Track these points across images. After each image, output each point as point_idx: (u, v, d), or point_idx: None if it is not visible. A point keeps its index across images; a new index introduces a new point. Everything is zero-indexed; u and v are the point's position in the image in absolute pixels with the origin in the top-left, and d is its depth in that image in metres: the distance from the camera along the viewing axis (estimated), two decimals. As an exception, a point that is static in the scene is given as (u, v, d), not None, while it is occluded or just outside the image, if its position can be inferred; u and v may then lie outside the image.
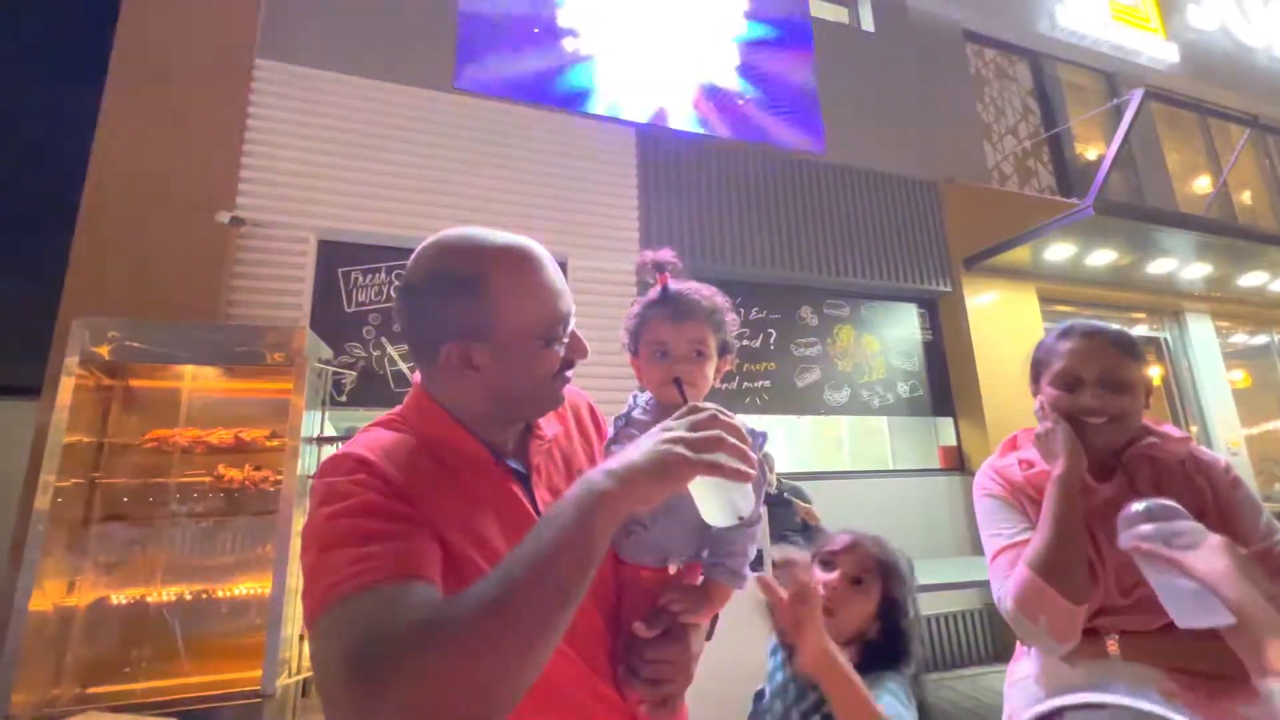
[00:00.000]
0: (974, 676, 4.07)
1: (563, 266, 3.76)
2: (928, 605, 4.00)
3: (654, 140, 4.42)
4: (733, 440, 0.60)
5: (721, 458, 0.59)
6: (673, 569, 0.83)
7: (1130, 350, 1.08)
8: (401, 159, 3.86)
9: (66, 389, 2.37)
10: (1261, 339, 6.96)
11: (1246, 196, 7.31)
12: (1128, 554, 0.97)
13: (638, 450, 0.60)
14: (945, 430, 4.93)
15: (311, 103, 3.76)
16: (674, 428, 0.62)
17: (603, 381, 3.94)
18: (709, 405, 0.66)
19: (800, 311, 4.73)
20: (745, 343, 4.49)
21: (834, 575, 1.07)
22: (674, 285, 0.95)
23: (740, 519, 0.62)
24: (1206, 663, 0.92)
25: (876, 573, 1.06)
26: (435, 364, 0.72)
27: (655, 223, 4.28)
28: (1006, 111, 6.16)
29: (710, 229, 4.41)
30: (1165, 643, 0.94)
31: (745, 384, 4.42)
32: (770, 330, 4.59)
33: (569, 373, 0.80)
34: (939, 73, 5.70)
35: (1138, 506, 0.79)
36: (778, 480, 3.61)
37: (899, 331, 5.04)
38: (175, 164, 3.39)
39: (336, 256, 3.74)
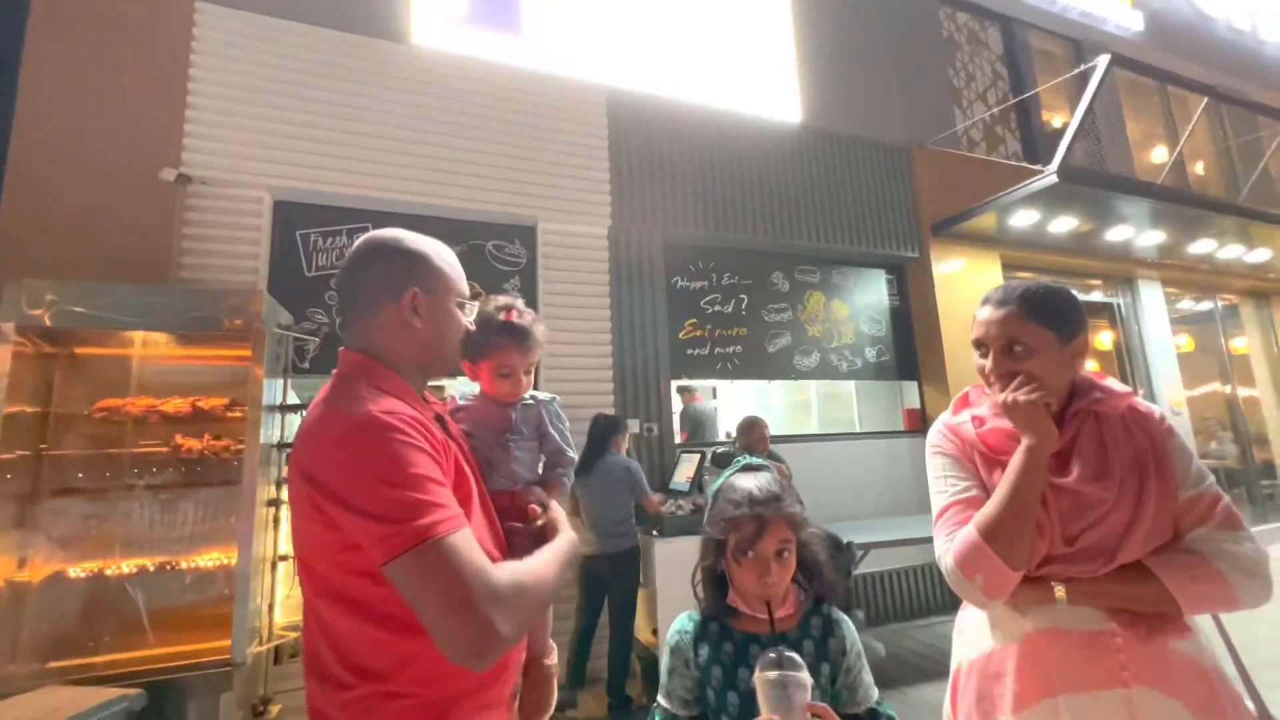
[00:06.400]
0: (930, 626, 4.30)
1: (531, 230, 3.67)
2: (891, 560, 4.32)
3: (624, 103, 4.33)
4: None
5: None
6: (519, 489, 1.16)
7: (1036, 315, 1.06)
8: (362, 116, 3.70)
9: (4, 356, 2.24)
10: (1206, 305, 7.31)
11: (1199, 167, 7.56)
12: (1072, 505, 1.03)
13: None
14: (910, 393, 5.09)
15: (258, 52, 3.53)
16: None
17: (577, 361, 3.89)
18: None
19: (771, 277, 4.77)
20: (717, 308, 4.50)
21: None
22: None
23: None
24: (1144, 604, 0.97)
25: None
26: (383, 313, 0.93)
27: (626, 187, 4.23)
28: (977, 77, 6.20)
29: (683, 195, 4.38)
30: (1108, 586, 0.98)
31: (717, 349, 4.45)
32: (742, 296, 4.61)
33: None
34: (913, 36, 5.67)
35: (772, 654, 0.92)
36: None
37: (868, 297, 5.13)
38: (112, 117, 3.17)
39: (294, 218, 3.60)
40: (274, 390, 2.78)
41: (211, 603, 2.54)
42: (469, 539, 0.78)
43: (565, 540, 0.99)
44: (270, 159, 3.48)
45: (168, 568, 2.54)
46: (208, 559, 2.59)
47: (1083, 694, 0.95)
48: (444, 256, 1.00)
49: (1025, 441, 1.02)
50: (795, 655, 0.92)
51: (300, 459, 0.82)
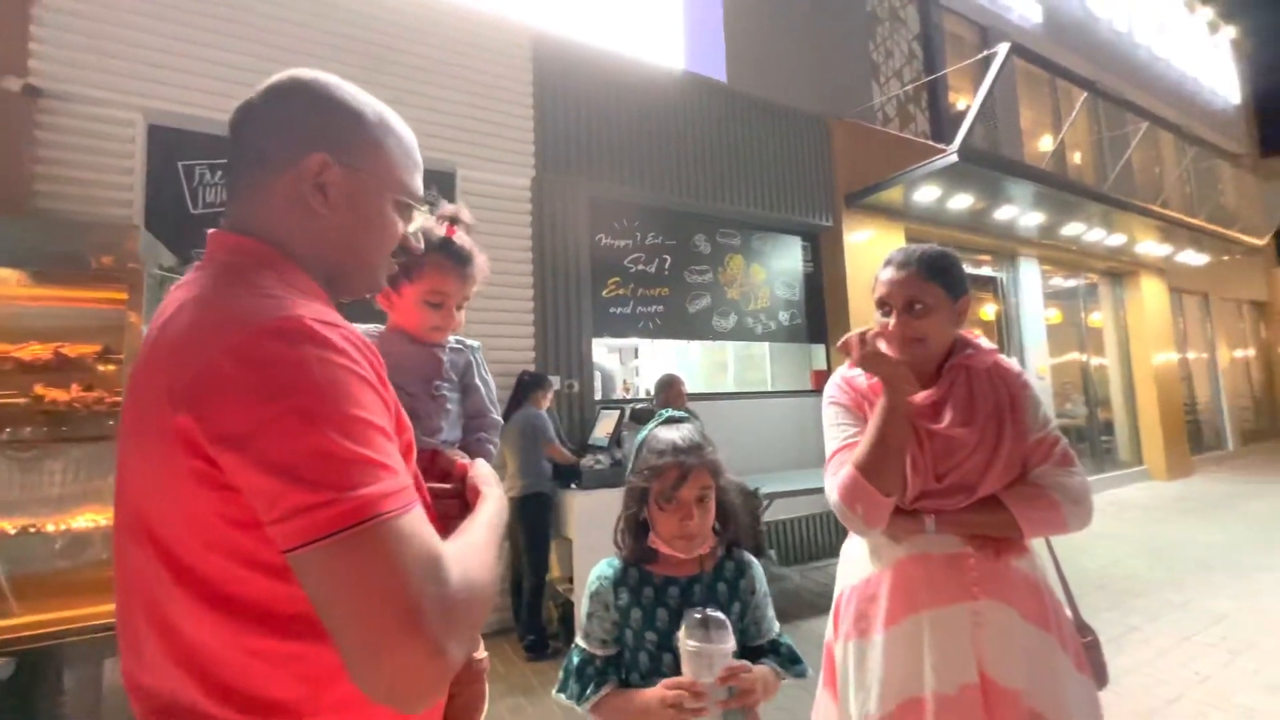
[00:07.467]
0: (825, 568, 4.70)
1: (449, 177, 3.45)
2: (794, 508, 4.51)
3: (551, 49, 4.17)
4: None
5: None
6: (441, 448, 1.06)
7: (933, 275, 1.17)
8: (254, 35, 3.34)
9: None
10: (1073, 282, 8.20)
11: (1077, 157, 8.34)
12: (944, 448, 1.16)
13: None
14: (818, 356, 5.37)
15: (126, -53, 3.06)
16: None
17: (498, 316, 3.81)
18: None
19: (694, 239, 4.83)
20: (640, 267, 4.51)
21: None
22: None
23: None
24: (995, 529, 1.13)
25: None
26: (276, 181, 0.64)
27: (551, 138, 4.09)
28: (895, 54, 6.43)
29: (609, 150, 4.29)
30: (968, 516, 1.14)
31: (640, 308, 4.49)
32: (665, 256, 4.66)
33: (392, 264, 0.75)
34: (838, 6, 5.76)
35: (697, 615, 0.96)
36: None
37: (784, 263, 5.32)
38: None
39: (175, 146, 3.22)
40: (155, 338, 2.56)
41: (89, 566, 2.34)
42: (421, 522, 0.54)
43: (498, 506, 0.76)
44: (141, 75, 3.09)
45: (31, 530, 2.30)
46: (82, 520, 2.36)
47: (940, 608, 1.11)
48: (391, 127, 0.70)
49: (883, 398, 1.14)
50: (720, 614, 0.95)
51: (171, 376, 0.52)
